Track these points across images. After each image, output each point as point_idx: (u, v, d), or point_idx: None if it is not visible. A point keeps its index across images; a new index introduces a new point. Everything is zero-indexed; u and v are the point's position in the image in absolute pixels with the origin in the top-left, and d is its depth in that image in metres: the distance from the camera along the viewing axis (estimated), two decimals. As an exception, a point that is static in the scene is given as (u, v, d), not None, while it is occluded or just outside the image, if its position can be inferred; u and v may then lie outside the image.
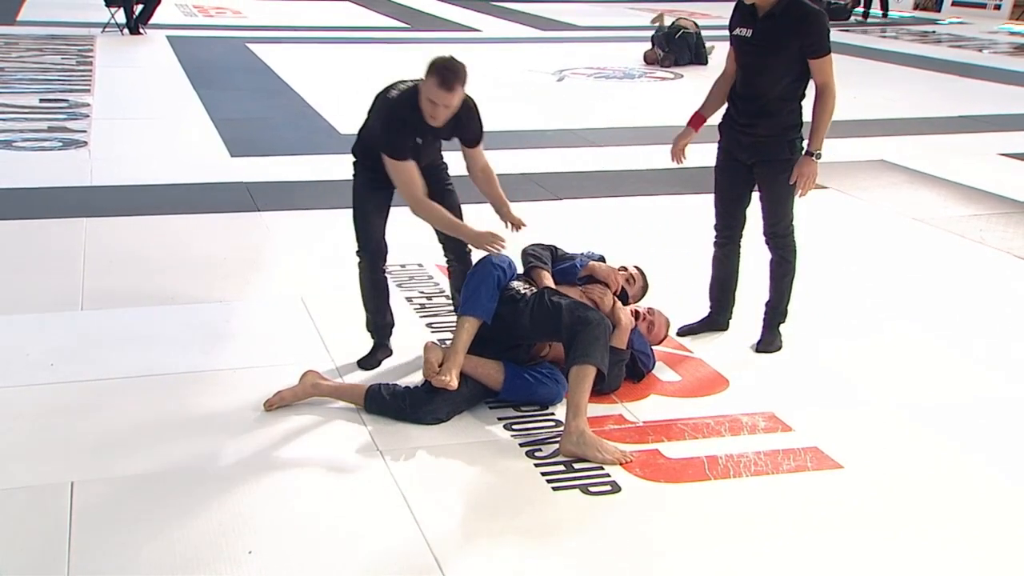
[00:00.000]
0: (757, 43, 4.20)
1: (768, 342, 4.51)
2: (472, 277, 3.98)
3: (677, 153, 4.53)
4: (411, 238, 5.89)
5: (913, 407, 4.04)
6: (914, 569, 3.04)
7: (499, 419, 3.82)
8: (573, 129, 9.19)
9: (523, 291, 3.97)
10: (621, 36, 16.12)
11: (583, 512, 3.27)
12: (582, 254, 4.38)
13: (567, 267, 4.25)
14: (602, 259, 4.40)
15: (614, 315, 4.01)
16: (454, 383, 3.73)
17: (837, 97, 4.23)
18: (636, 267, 4.49)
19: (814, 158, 4.24)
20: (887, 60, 14.60)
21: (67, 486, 3.28)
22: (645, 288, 4.49)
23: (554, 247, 4.35)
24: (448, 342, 3.99)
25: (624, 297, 4.27)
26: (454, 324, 4.01)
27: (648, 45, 13.67)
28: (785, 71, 4.18)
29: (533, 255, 4.23)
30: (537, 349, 4.01)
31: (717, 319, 4.67)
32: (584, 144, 8.61)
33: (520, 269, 4.17)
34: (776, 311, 4.52)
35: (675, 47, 13.31)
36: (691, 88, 11.79)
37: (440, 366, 3.80)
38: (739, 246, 4.59)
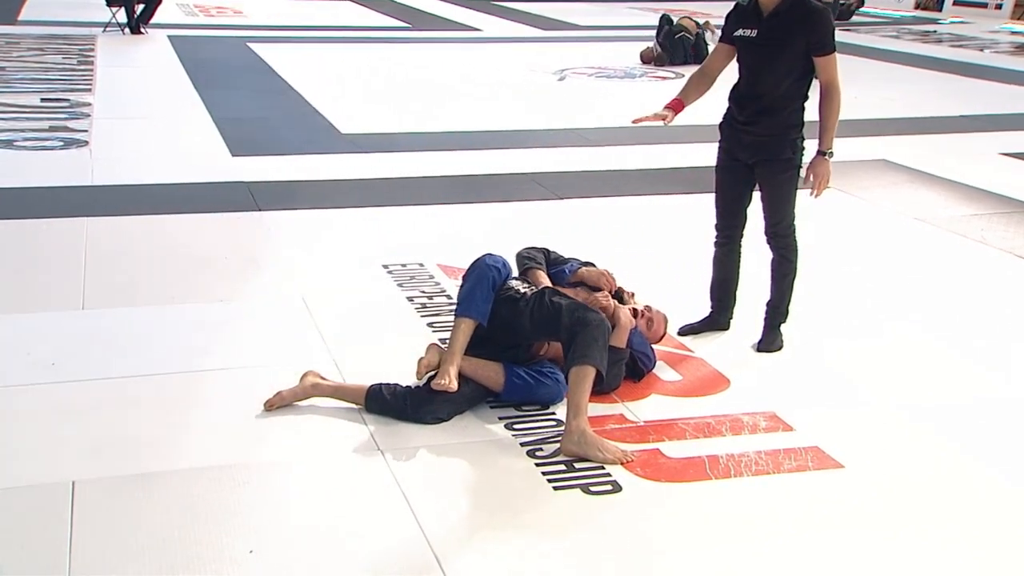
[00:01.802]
0: (763, 42, 4.20)
1: (769, 342, 4.51)
2: (467, 278, 4.00)
3: (642, 118, 4.35)
4: (412, 238, 5.93)
5: (914, 407, 4.04)
6: (914, 569, 3.04)
7: (500, 419, 3.82)
8: (574, 128, 9.19)
9: (523, 290, 3.98)
10: (622, 36, 16.11)
11: (584, 511, 3.27)
12: (575, 259, 4.38)
13: (556, 272, 4.26)
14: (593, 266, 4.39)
15: (614, 315, 4.01)
16: (453, 385, 3.74)
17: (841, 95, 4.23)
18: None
19: (826, 157, 4.23)
20: (888, 60, 14.59)
21: (68, 485, 3.28)
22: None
23: (547, 249, 4.36)
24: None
25: (620, 297, 4.27)
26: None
27: (644, 44, 13.70)
28: (790, 69, 4.18)
29: (528, 257, 4.25)
30: (536, 347, 4.02)
31: (718, 319, 4.67)
32: (585, 144, 8.61)
33: (515, 271, 4.19)
34: (777, 311, 4.52)
35: (670, 47, 13.33)
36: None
37: (437, 368, 3.82)
38: (740, 246, 4.59)
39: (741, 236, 4.57)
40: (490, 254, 4.08)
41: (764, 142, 4.29)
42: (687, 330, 4.62)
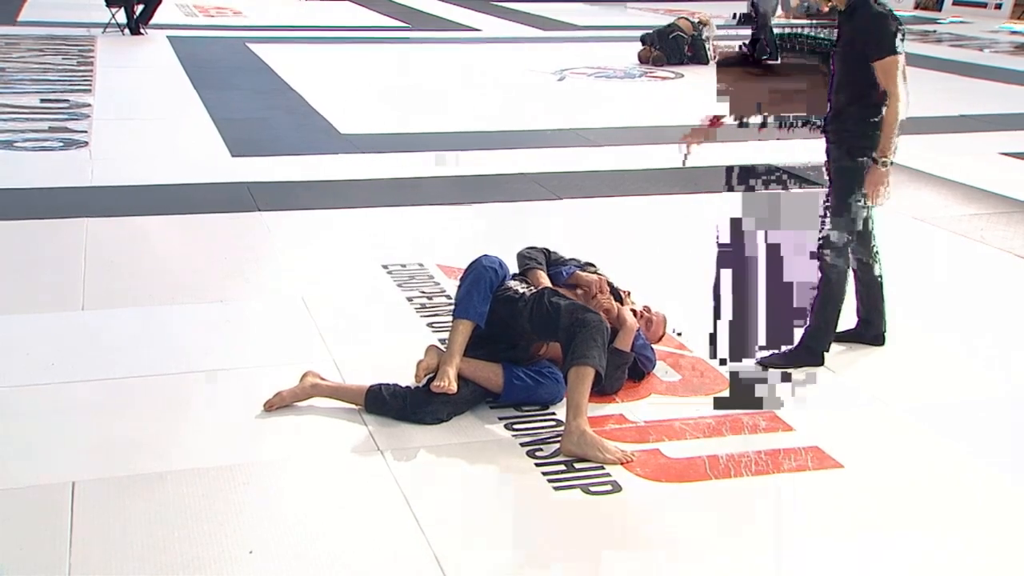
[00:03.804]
0: (838, 43, 4.20)
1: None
2: (464, 279, 4.00)
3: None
4: (411, 238, 5.93)
5: (913, 407, 4.03)
6: (914, 568, 3.04)
7: (500, 419, 3.82)
8: (573, 128, 9.18)
9: (521, 291, 3.98)
10: (621, 36, 16.09)
11: (584, 511, 3.27)
12: (574, 260, 4.37)
13: (554, 273, 4.26)
14: (592, 267, 4.38)
15: (619, 317, 4.02)
16: (453, 387, 3.74)
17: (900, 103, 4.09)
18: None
19: (878, 165, 4.12)
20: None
21: (68, 486, 3.28)
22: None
23: (547, 250, 4.35)
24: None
25: (617, 298, 4.26)
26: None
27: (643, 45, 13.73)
28: (850, 73, 4.14)
29: (528, 257, 4.25)
30: (535, 347, 4.02)
31: (862, 332, 4.53)
32: (584, 144, 8.61)
33: (513, 270, 4.19)
34: (805, 332, 4.32)
35: (666, 47, 13.35)
36: (691, 87, 11.80)
37: (435, 370, 3.81)
38: (869, 258, 4.41)
39: (864, 250, 4.39)
40: (487, 255, 4.08)
41: (832, 148, 4.25)
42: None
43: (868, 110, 4.15)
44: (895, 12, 4.19)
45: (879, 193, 4.19)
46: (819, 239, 4.30)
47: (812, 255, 4.32)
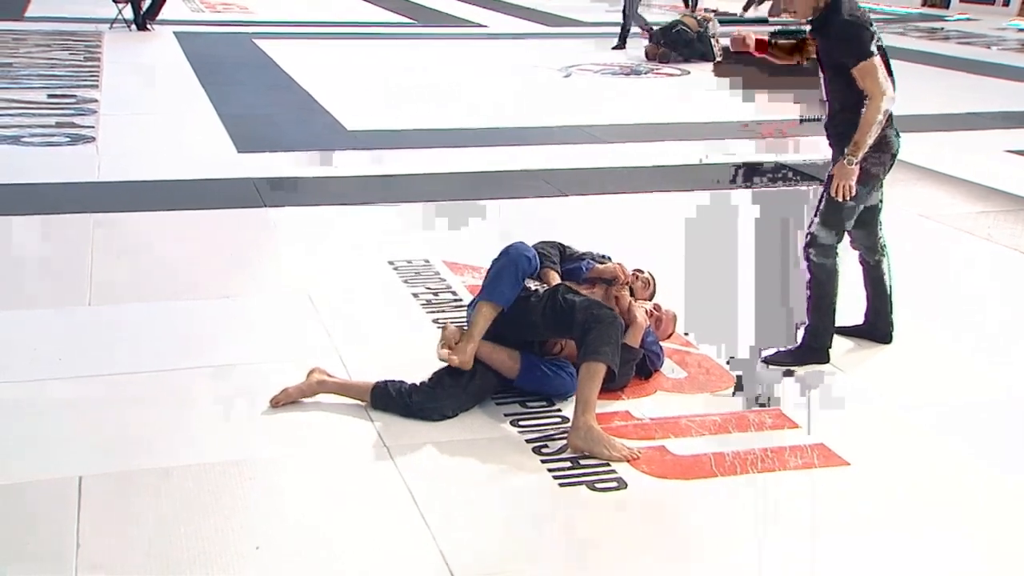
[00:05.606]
0: (817, 56, 4.23)
1: None
2: (495, 263, 3.97)
3: None
4: (417, 234, 5.93)
5: (920, 405, 4.03)
6: (920, 566, 3.04)
7: (506, 415, 3.82)
8: (580, 125, 9.18)
9: (535, 287, 3.97)
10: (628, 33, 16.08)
11: (589, 508, 3.27)
12: (590, 255, 4.36)
13: (573, 269, 4.24)
14: (608, 260, 4.37)
15: (630, 313, 4.01)
16: (469, 363, 3.73)
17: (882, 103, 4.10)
18: (649, 272, 4.45)
19: (845, 162, 4.10)
20: (894, 57, 14.47)
21: (75, 481, 3.29)
22: (654, 294, 4.45)
23: (562, 245, 4.34)
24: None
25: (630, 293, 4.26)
26: (460, 321, 4.00)
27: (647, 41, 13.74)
28: (835, 82, 4.15)
29: (542, 253, 4.20)
30: (549, 346, 4.01)
31: (868, 330, 4.56)
32: (590, 140, 8.60)
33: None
34: (806, 331, 4.35)
35: (670, 42, 13.37)
36: (696, 84, 11.79)
37: (456, 344, 3.80)
38: (873, 258, 4.47)
39: (869, 248, 4.46)
40: (522, 242, 4.03)
41: (832, 149, 4.26)
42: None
43: (859, 115, 4.15)
44: (866, 11, 4.18)
45: (843, 189, 4.13)
46: (806, 236, 4.30)
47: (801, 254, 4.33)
